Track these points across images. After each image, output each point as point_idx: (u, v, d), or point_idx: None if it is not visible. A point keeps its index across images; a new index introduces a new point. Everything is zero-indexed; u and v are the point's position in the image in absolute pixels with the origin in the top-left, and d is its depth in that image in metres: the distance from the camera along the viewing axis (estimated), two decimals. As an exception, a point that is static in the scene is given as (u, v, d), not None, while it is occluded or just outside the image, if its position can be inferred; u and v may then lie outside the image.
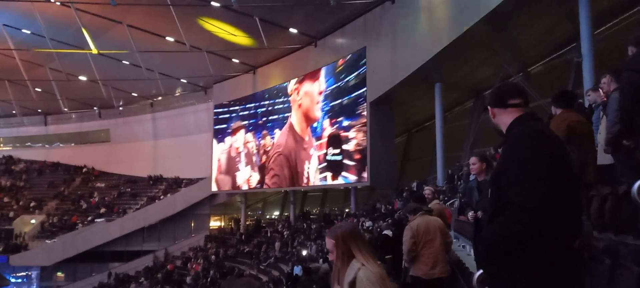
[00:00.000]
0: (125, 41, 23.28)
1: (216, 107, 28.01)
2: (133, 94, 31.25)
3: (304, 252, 18.39)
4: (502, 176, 1.87)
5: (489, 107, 2.17)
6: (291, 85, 23.20)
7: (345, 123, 19.83)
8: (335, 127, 20.37)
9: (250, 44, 23.05)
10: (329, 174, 20.50)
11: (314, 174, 21.41)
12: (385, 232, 6.97)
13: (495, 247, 1.79)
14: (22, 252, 28.03)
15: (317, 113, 21.32)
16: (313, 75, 21.86)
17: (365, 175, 18.64)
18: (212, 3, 19.62)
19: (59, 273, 29.05)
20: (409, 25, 16.42)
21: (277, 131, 24.16)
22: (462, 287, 4.62)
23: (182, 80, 28.84)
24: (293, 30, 21.29)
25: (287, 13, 19.88)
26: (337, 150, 19.98)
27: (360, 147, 18.95)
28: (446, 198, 11.51)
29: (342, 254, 2.24)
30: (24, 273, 29.54)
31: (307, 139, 21.96)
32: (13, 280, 29.37)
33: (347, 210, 21.92)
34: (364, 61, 18.84)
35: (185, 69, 26.71)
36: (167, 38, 23.27)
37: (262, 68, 25.51)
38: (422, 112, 20.71)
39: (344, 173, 19.83)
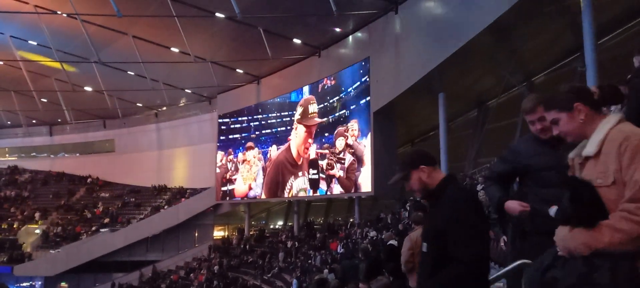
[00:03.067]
0: (131, 52, 23.47)
1: (220, 117, 28.12)
2: (138, 104, 31.42)
3: (308, 263, 18.33)
4: (448, 234, 2.12)
5: (419, 168, 2.35)
6: (296, 114, 23.61)
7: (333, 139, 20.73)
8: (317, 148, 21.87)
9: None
10: (310, 190, 22.18)
11: (296, 189, 23.04)
12: (390, 242, 6.95)
13: None
14: (26, 262, 28.04)
15: (305, 155, 22.68)
16: (309, 127, 22.79)
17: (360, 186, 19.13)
18: (217, 14, 19.78)
19: (63, 284, 28.99)
20: (412, 35, 16.48)
21: (273, 146, 24.89)
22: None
23: (186, 90, 28.99)
24: (297, 41, 21.41)
25: (290, 24, 20.02)
26: (315, 171, 21.81)
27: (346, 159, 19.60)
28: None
29: None
30: (27, 284, 29.51)
31: (300, 163, 23.03)
32: (17, 290, 29.40)
33: (351, 220, 21.88)
34: (362, 72, 19.05)
35: (190, 80, 26.86)
36: (172, 49, 23.44)
37: (266, 78, 25.63)
38: (426, 122, 20.72)
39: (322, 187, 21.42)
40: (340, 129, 20.35)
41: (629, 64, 3.84)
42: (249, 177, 26.67)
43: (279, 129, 24.75)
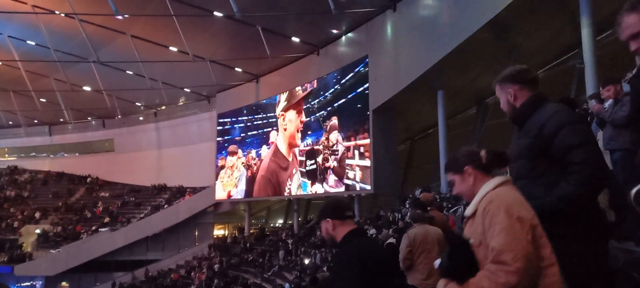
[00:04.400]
0: (129, 51, 23.44)
1: (219, 116, 28.12)
2: (137, 104, 31.41)
3: (307, 261, 18.35)
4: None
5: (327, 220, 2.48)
6: (279, 108, 23.64)
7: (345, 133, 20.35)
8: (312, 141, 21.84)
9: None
10: (308, 182, 22.00)
11: (295, 188, 22.85)
12: (389, 240, 6.96)
13: None
14: (27, 262, 28.06)
15: (298, 141, 22.59)
16: (297, 105, 22.72)
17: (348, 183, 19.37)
18: (215, 13, 19.76)
19: (64, 283, 29.00)
20: (410, 32, 16.46)
21: (264, 147, 24.96)
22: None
23: (185, 89, 28.97)
24: (295, 39, 21.39)
25: (289, 22, 20.00)
26: (312, 161, 21.68)
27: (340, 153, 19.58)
28: (450, 206, 11.47)
29: None
30: (28, 283, 29.52)
31: (291, 159, 22.97)
32: (18, 290, 29.42)
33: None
34: (360, 69, 19.03)
35: (189, 79, 26.84)
36: (171, 48, 23.41)
37: (265, 77, 25.62)
38: (425, 119, 20.71)
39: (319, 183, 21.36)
40: (333, 122, 20.50)
41: (628, 61, 3.83)
42: (229, 183, 26.73)
43: (265, 130, 24.83)
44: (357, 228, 2.50)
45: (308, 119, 22.07)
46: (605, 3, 11.04)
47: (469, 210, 2.02)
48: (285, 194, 23.71)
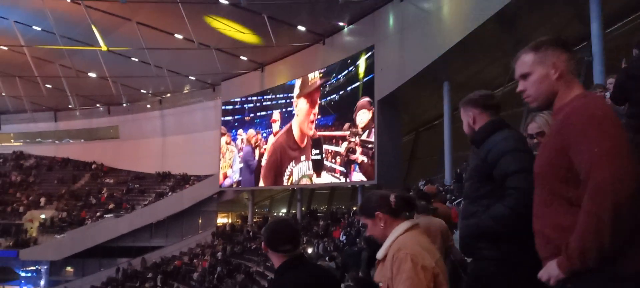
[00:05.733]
0: (135, 38, 23.43)
1: (224, 104, 28.14)
2: (142, 91, 31.44)
3: (310, 250, 18.44)
4: None
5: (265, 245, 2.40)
6: (296, 90, 23.41)
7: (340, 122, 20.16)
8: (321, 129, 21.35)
9: (257, 41, 23.13)
10: (314, 174, 21.63)
11: (297, 175, 22.53)
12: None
13: None
14: (32, 246, 28.35)
15: (310, 131, 22.10)
16: (309, 95, 22.30)
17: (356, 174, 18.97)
18: (221, 1, 19.68)
19: (68, 268, 29.35)
20: (417, 23, 16.35)
21: (251, 131, 25.15)
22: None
23: (190, 77, 28.97)
24: (301, 28, 21.29)
25: (295, 11, 19.89)
26: (317, 151, 21.26)
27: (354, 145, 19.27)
28: (453, 198, 11.48)
29: None
30: (33, 268, 29.89)
31: (303, 146, 22.58)
32: (23, 274, 29.74)
33: (354, 208, 21.93)
34: (368, 57, 18.85)
35: (194, 66, 26.83)
36: (176, 35, 23.38)
37: (270, 66, 25.56)
38: (430, 110, 20.64)
39: (325, 172, 20.93)
40: (364, 100, 18.71)
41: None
42: (224, 165, 27.00)
43: (275, 111, 24.61)
44: (290, 260, 2.30)
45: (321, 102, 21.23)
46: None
47: (380, 254, 2.16)
48: (285, 178, 23.43)
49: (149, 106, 33.16)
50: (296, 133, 23.05)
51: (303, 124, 22.56)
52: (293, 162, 22.98)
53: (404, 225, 2.17)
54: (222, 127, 27.55)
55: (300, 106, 22.87)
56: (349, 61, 20.07)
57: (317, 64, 22.12)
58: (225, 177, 27.43)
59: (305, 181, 22.54)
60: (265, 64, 25.75)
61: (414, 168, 23.09)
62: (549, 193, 1.58)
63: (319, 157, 21.34)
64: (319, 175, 21.43)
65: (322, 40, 21.89)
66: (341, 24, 20.41)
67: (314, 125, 21.94)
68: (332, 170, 20.68)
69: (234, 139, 27.33)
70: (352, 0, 17.88)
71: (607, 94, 4.60)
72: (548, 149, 1.61)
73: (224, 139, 27.52)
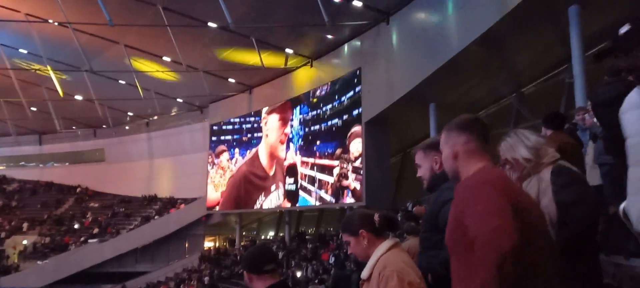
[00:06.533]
0: (122, 61, 23.37)
1: (212, 126, 28.04)
2: (129, 114, 31.23)
3: (299, 274, 18.22)
4: None
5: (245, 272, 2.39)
6: (263, 112, 23.55)
7: (327, 150, 20.13)
8: (301, 155, 21.19)
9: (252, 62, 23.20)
10: (288, 204, 21.49)
11: (270, 204, 22.40)
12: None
13: None
14: (13, 273, 27.59)
15: (281, 153, 22.07)
16: (281, 110, 22.34)
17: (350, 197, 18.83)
18: (210, 24, 19.80)
19: (51, 295, 28.59)
20: (403, 45, 16.59)
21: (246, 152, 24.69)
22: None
23: (178, 99, 28.89)
24: (289, 51, 21.46)
25: (282, 34, 20.07)
26: (292, 180, 21.09)
27: (345, 170, 19.16)
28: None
29: None
30: (14, 295, 29.04)
31: (271, 174, 22.43)
32: (3, 302, 28.88)
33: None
34: (355, 82, 19.01)
35: (182, 89, 26.78)
36: (164, 58, 23.38)
37: (258, 88, 25.62)
38: (418, 132, 20.78)
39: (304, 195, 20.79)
40: (356, 129, 18.72)
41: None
42: (221, 183, 26.43)
43: (255, 134, 24.46)
44: (276, 284, 2.28)
45: (320, 126, 20.69)
46: (594, 19, 11.23)
47: (364, 274, 2.18)
48: (255, 208, 23.06)
49: (135, 129, 32.87)
50: (264, 159, 22.83)
51: (274, 145, 22.41)
52: (262, 194, 22.65)
53: (387, 243, 2.19)
54: (222, 146, 26.84)
55: (270, 124, 22.77)
56: (337, 87, 20.18)
57: (305, 86, 22.25)
58: (223, 195, 26.59)
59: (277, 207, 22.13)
60: (253, 86, 25.81)
61: (402, 189, 23.10)
62: (456, 262, 1.63)
63: (293, 186, 21.04)
64: (293, 205, 21.28)
65: (310, 62, 22.06)
66: (329, 45, 20.61)
67: (284, 147, 21.88)
68: (318, 199, 20.38)
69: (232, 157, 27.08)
70: (339, 23, 18.10)
71: (587, 116, 4.70)
72: (450, 220, 1.68)
73: (224, 156, 26.90)
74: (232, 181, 24.22)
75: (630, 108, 1.89)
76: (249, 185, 23.16)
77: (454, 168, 1.80)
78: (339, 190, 19.35)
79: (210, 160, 27.26)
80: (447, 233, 1.68)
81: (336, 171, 19.50)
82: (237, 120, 26.12)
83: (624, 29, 1.72)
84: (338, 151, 19.51)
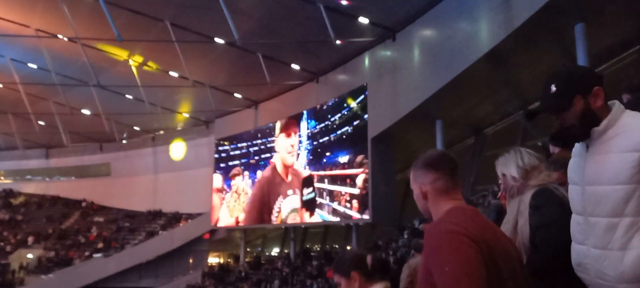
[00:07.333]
0: (130, 76, 23.60)
1: (217, 141, 28.10)
2: (135, 128, 31.41)
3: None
4: None
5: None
6: (277, 129, 23.72)
7: (342, 158, 19.90)
8: (311, 168, 21.24)
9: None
10: (306, 213, 21.28)
11: (286, 212, 22.22)
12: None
13: None
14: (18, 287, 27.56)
15: (290, 160, 22.34)
16: (286, 127, 22.72)
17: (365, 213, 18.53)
18: (217, 40, 19.97)
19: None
20: (409, 62, 16.64)
21: (258, 172, 24.59)
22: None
23: (184, 114, 29.04)
24: (295, 67, 21.58)
25: (289, 50, 20.21)
26: (310, 189, 20.97)
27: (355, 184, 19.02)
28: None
29: None
30: (17, 310, 28.93)
31: (288, 180, 22.45)
32: (6, 316, 28.77)
33: (348, 248, 21.62)
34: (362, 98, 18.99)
35: (188, 104, 26.95)
36: (171, 73, 23.58)
37: (264, 103, 25.72)
38: (423, 148, 20.35)
39: (319, 211, 20.63)
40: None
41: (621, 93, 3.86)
42: (237, 207, 25.88)
43: (266, 155, 24.43)
44: None
45: (329, 137, 20.67)
46: (600, 37, 11.21)
47: None
48: (274, 215, 23.00)
49: (141, 143, 32.98)
50: (279, 167, 23.10)
51: (284, 156, 22.65)
52: (280, 197, 22.70)
53: (378, 287, 2.21)
54: (237, 168, 26.14)
55: (280, 142, 23.11)
56: (344, 104, 20.06)
57: (311, 102, 22.30)
58: (238, 221, 25.80)
59: (293, 216, 21.92)
60: (259, 102, 25.91)
61: (408, 206, 22.94)
62: None
63: (311, 195, 21.01)
64: (312, 215, 21.03)
65: (316, 78, 22.15)
66: (335, 61, 20.71)
67: (295, 154, 22.02)
68: (339, 214, 19.77)
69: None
70: (345, 39, 18.20)
71: None
72: (420, 267, 1.67)
73: (239, 180, 26.14)
74: (257, 184, 24.07)
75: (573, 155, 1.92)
76: (271, 187, 23.20)
77: (425, 208, 1.77)
78: (366, 198, 18.41)
79: (220, 185, 26.93)
80: (418, 282, 1.65)
81: (361, 178, 18.64)
82: (243, 144, 26.01)
83: (552, 89, 1.71)
84: (360, 157, 18.70)
